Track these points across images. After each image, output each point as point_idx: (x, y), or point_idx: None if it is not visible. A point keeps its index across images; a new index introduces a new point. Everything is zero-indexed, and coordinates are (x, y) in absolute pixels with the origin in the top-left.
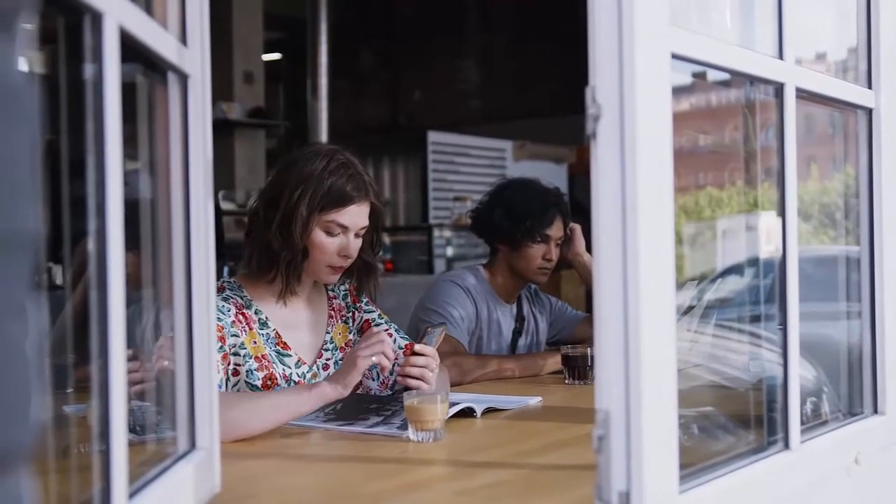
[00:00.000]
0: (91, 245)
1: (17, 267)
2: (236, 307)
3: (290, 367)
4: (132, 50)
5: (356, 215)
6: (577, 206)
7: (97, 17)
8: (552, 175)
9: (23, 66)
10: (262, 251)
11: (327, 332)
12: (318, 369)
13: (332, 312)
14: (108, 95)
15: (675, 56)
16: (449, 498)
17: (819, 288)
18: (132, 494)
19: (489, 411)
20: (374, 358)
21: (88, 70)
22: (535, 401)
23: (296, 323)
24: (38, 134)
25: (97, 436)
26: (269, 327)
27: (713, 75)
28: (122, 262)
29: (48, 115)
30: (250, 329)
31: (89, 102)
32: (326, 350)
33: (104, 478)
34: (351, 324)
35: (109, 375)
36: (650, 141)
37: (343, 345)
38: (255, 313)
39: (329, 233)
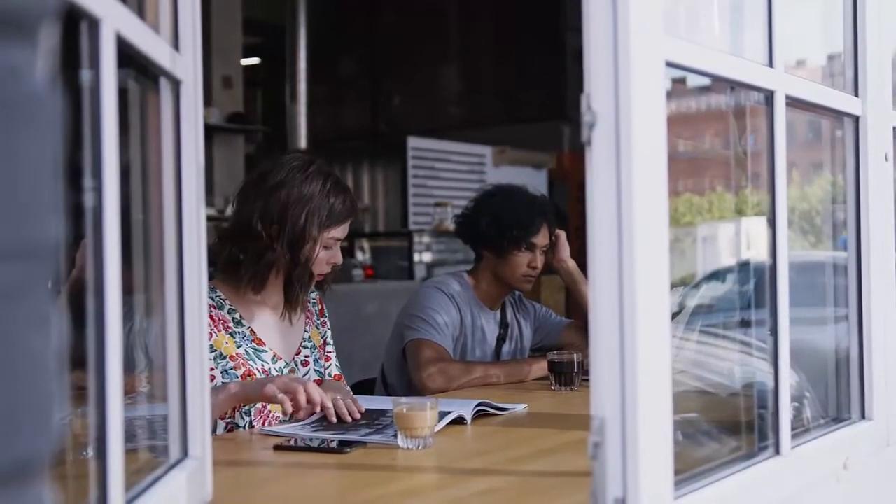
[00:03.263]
0: (87, 251)
1: (39, 276)
2: None
3: (267, 363)
4: (125, 55)
5: (348, 228)
6: (557, 212)
7: (94, 24)
8: (532, 181)
9: (44, 75)
10: (266, 268)
11: (305, 331)
12: (296, 365)
13: (308, 314)
14: (105, 101)
15: (669, 64)
16: None
17: (801, 294)
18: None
19: (479, 416)
20: (280, 395)
21: (85, 76)
22: (521, 408)
23: (273, 323)
24: (60, 142)
25: (91, 444)
26: (244, 326)
27: (692, 81)
28: (118, 268)
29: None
30: (219, 331)
31: (86, 108)
32: (305, 347)
33: (100, 486)
34: (321, 328)
35: (106, 384)
36: (646, 148)
37: (319, 345)
38: (229, 313)
39: (327, 247)
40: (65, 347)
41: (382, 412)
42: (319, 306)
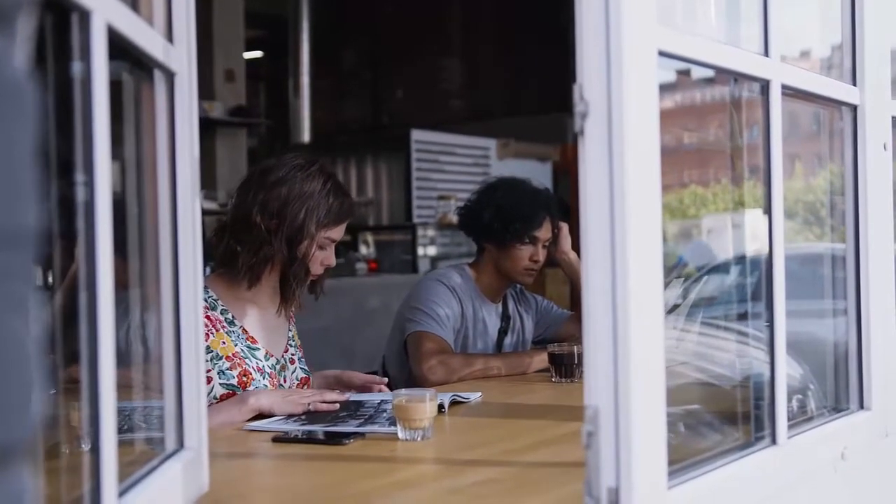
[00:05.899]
0: (79, 245)
1: (19, 263)
2: None
3: (261, 360)
4: (118, 47)
5: (343, 230)
6: (561, 205)
7: (85, 15)
8: (536, 173)
9: (21, 63)
10: (262, 263)
11: (290, 330)
12: (285, 361)
13: (291, 314)
14: (97, 93)
15: (661, 53)
16: (439, 496)
17: (804, 285)
18: (121, 493)
19: (479, 408)
20: (310, 407)
21: (76, 68)
22: (475, 396)
23: (262, 321)
24: (37, 131)
25: (85, 436)
26: (236, 325)
27: (697, 73)
28: (110, 262)
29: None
30: (217, 330)
31: (77, 100)
32: (291, 346)
33: (94, 477)
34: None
35: (99, 376)
36: (638, 138)
37: (298, 345)
38: (221, 313)
39: (321, 247)
40: (45, 334)
41: (360, 403)
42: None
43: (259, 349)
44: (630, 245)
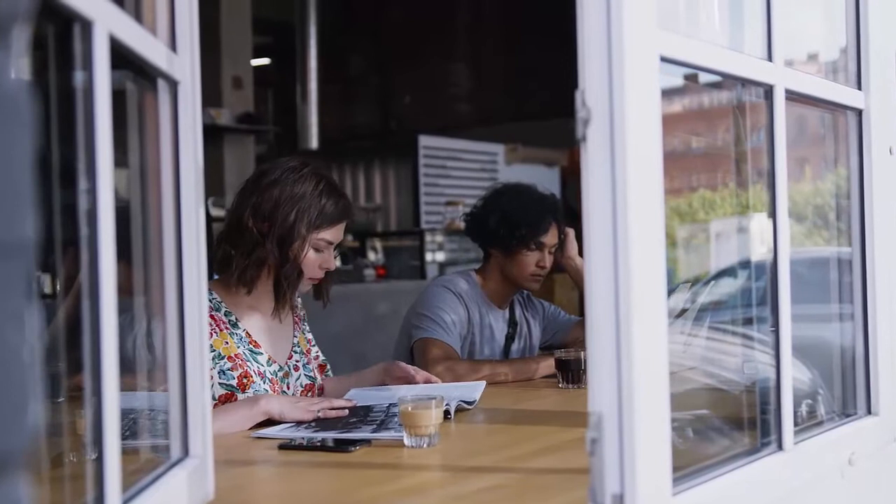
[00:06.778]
0: (82, 253)
1: (15, 274)
2: None
3: (262, 365)
4: (121, 56)
5: (341, 232)
6: (569, 210)
7: (87, 25)
8: (544, 178)
9: (19, 73)
10: (256, 265)
11: (294, 336)
12: (289, 369)
13: (297, 319)
14: (99, 102)
15: (663, 59)
16: (444, 503)
17: (813, 290)
18: (125, 502)
19: (459, 411)
20: (319, 413)
21: (78, 77)
22: (480, 386)
23: (266, 327)
24: (34, 141)
25: (90, 444)
26: (240, 328)
27: (704, 77)
28: (113, 270)
29: (37, 121)
30: (221, 331)
31: (79, 109)
32: (295, 352)
33: (98, 485)
34: (306, 334)
35: (102, 384)
36: (640, 144)
37: (305, 350)
38: (225, 315)
39: (317, 249)
40: (51, 343)
41: (369, 409)
42: (303, 311)
43: (262, 354)
44: (633, 250)
